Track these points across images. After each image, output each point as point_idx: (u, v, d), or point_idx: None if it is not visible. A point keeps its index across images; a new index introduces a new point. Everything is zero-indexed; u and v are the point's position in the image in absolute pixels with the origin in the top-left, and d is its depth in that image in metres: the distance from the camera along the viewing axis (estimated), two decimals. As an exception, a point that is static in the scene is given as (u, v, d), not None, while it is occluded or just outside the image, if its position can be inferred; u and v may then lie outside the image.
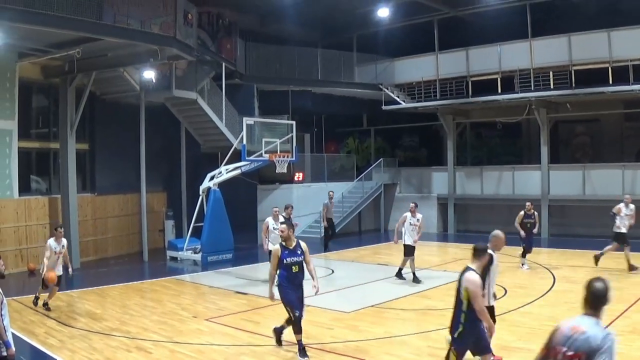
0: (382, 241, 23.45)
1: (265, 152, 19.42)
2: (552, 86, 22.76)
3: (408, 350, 9.61)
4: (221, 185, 19.91)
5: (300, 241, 9.46)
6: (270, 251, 14.14)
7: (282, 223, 9.66)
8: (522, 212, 16.89)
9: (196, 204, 20.30)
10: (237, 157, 19.64)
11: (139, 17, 16.83)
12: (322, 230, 22.65)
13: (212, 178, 19.85)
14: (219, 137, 22.72)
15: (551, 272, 15.98)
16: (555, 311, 11.78)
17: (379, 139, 31.56)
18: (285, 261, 8.97)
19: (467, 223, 26.75)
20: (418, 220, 15.24)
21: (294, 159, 20.50)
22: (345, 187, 26.98)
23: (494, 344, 9.52)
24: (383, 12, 25.06)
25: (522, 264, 16.82)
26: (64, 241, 13.01)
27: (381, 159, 28.47)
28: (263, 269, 18.83)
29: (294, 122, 20.69)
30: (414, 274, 15.25)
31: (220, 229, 19.64)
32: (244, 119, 19.61)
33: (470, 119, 28.13)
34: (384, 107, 26.64)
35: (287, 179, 24.90)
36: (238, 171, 19.64)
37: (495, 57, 23.97)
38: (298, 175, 25.95)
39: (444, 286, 14.65)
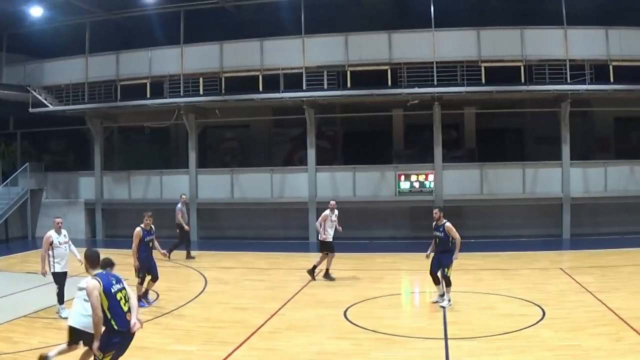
0: (30, 249, 21.92)
1: None
2: (202, 92, 23.42)
3: (68, 358, 9.02)
4: None
5: None
6: (55, 273, 11.69)
7: None
8: (435, 223, 12.57)
9: None
10: None
11: None
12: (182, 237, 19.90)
13: None
14: None
15: (202, 274, 16.18)
16: (209, 312, 12.05)
17: (26, 143, 29.62)
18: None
19: (116, 228, 26.02)
20: (336, 216, 15.39)
21: None
22: (-13, 192, 25.84)
23: (149, 347, 9.25)
24: (36, 12, 23.73)
25: (439, 297, 12.42)
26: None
27: (27, 163, 26.67)
28: None
29: None
30: (327, 270, 15.22)
31: None
32: None
33: (118, 123, 27.73)
34: (31, 110, 25.34)
35: None
36: None
37: (146, 61, 24.03)
38: None
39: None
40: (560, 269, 16.33)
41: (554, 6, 22.22)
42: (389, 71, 22.33)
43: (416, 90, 22.08)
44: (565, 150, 22.71)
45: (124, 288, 7.10)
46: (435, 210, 12.75)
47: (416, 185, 22.97)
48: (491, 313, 11.90)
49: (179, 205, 19.66)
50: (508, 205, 23.01)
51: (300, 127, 24.39)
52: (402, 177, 23.09)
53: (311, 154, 23.62)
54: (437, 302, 12.52)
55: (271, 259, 19.37)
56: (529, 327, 10.71)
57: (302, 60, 22.51)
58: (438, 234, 12.45)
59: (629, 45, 22.19)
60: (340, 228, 15.57)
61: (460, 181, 23.18)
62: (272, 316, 11.71)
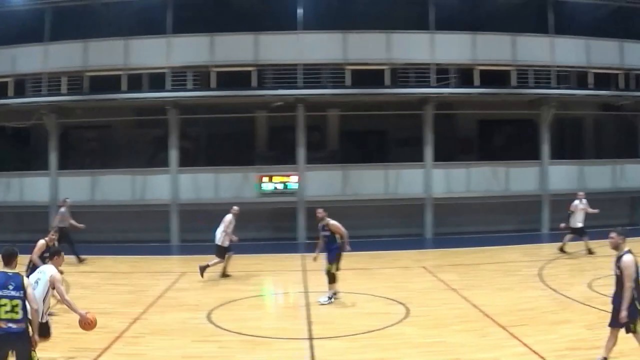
0: None
1: None
2: (64, 91, 24.83)
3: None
4: None
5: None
6: None
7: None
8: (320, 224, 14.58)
9: None
10: None
11: None
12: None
13: None
14: None
15: (62, 279, 17.42)
16: (72, 318, 11.53)
17: None
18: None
19: (-27, 232, 26.00)
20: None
21: None
22: None
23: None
24: None
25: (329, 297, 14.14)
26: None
27: None
28: None
29: None
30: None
31: None
32: None
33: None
34: None
35: None
36: None
37: (8, 59, 25.04)
38: None
39: None
40: (423, 267, 18.14)
41: (421, 11, 24.75)
42: (254, 72, 24.49)
43: (280, 92, 24.25)
44: (428, 151, 25.42)
45: (15, 297, 7.73)
46: (320, 211, 14.36)
47: (279, 186, 25.10)
48: (355, 312, 13.09)
49: (63, 209, 20.57)
50: (371, 206, 25.27)
51: (163, 128, 25.75)
52: (265, 179, 25.14)
53: (173, 155, 25.19)
54: (328, 301, 13.92)
55: (133, 263, 20.53)
56: (393, 325, 11.88)
57: (166, 60, 24.23)
58: (324, 233, 14.04)
59: (493, 50, 25.38)
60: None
61: (323, 182, 25.40)
62: (135, 320, 12.48)
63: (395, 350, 10.39)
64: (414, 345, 10.63)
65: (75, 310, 9.29)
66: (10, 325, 7.68)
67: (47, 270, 9.41)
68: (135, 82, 24.58)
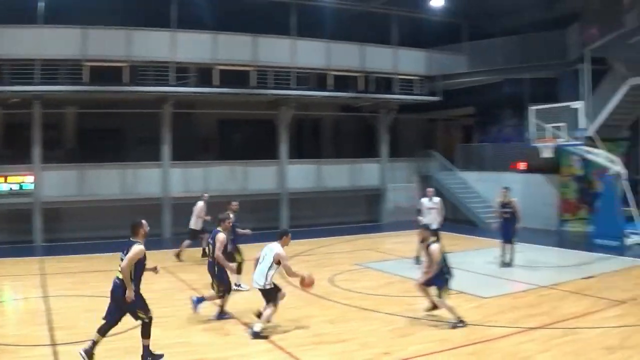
0: None
1: None
2: None
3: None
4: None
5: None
6: None
7: None
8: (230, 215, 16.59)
9: None
10: None
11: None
12: None
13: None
14: None
15: None
16: None
17: None
18: None
19: None
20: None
21: None
22: None
23: None
24: None
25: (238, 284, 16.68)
26: None
27: None
28: None
29: None
30: None
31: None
32: None
33: None
34: None
35: None
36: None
37: None
38: None
39: None
40: (164, 267, 18.26)
41: (163, 9, 26.86)
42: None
43: (16, 88, 25.44)
44: (166, 150, 27.96)
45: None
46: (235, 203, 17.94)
47: (14, 187, 26.38)
48: (97, 316, 12.93)
49: None
50: (109, 207, 27.37)
51: None
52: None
53: None
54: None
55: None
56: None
57: None
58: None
59: (234, 50, 28.40)
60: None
61: (59, 182, 26.91)
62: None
63: (139, 353, 11.28)
64: (158, 347, 11.43)
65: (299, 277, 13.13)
66: (116, 281, 10.93)
67: (274, 248, 13.02)
68: None
